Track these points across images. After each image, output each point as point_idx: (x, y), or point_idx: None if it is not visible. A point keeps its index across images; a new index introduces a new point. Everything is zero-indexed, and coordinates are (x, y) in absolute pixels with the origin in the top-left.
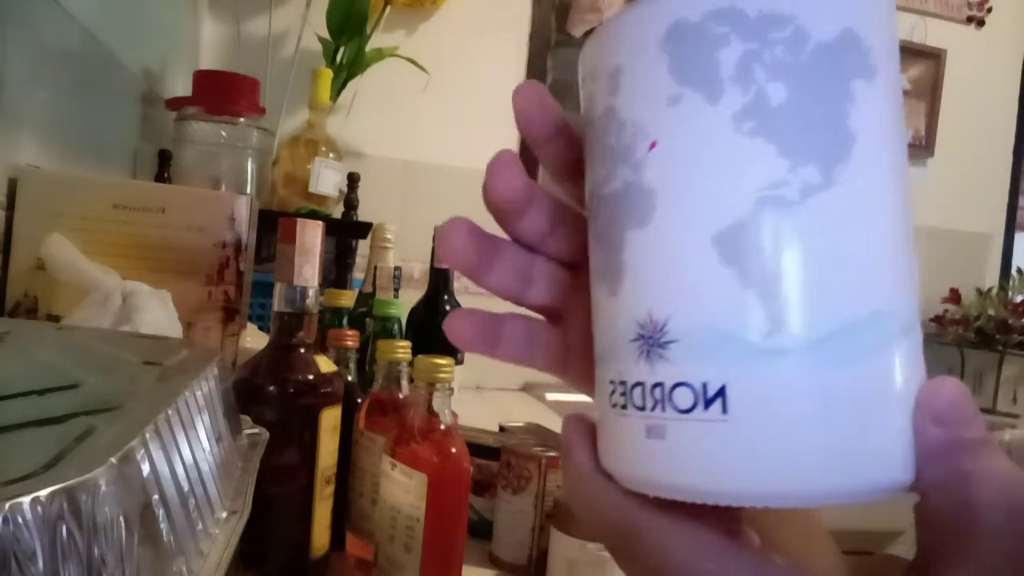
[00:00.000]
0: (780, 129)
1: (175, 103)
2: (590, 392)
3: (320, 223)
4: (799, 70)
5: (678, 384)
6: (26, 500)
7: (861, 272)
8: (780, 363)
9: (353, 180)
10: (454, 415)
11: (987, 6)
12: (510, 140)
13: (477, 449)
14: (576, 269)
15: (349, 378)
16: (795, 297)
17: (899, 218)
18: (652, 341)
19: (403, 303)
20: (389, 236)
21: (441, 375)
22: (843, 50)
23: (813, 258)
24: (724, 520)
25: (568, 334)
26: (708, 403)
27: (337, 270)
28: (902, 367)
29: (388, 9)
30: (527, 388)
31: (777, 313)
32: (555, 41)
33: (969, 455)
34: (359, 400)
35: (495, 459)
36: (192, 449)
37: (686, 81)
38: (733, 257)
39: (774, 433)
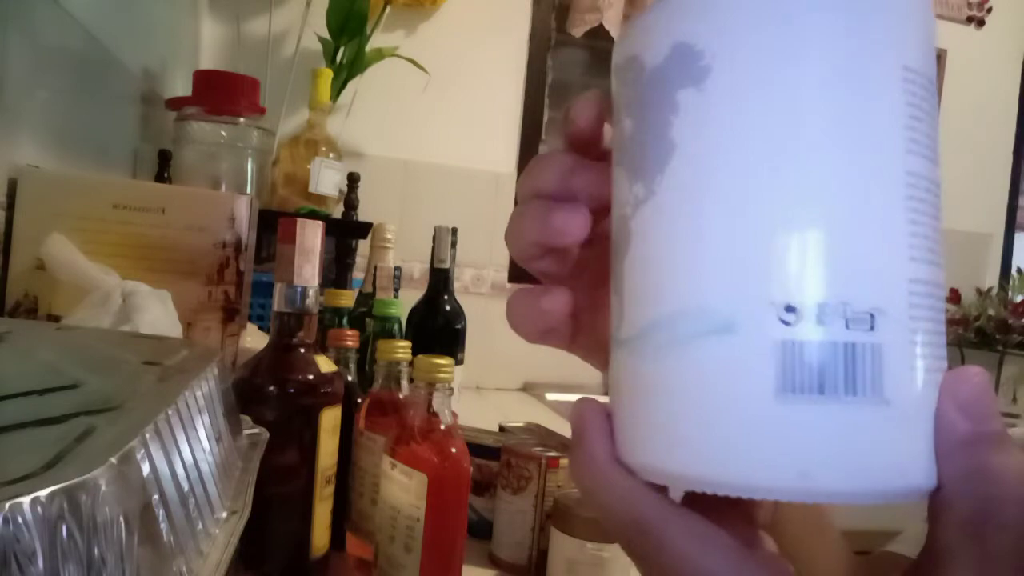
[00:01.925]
0: (627, 157)
1: (175, 103)
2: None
3: (320, 223)
4: (637, 99)
5: None
6: (26, 500)
7: (670, 272)
8: (618, 352)
9: (353, 180)
10: (454, 415)
11: (987, 6)
12: (510, 140)
13: (477, 449)
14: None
15: (349, 378)
16: (625, 296)
17: (736, 213)
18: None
19: (403, 303)
20: (389, 236)
21: (441, 375)
22: (672, 65)
23: (635, 262)
24: (742, 524)
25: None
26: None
27: (337, 270)
28: (727, 362)
29: (388, 9)
30: (527, 388)
31: (617, 310)
32: (555, 41)
33: (990, 449)
34: (359, 400)
35: (495, 459)
36: (192, 449)
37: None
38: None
39: (650, 421)
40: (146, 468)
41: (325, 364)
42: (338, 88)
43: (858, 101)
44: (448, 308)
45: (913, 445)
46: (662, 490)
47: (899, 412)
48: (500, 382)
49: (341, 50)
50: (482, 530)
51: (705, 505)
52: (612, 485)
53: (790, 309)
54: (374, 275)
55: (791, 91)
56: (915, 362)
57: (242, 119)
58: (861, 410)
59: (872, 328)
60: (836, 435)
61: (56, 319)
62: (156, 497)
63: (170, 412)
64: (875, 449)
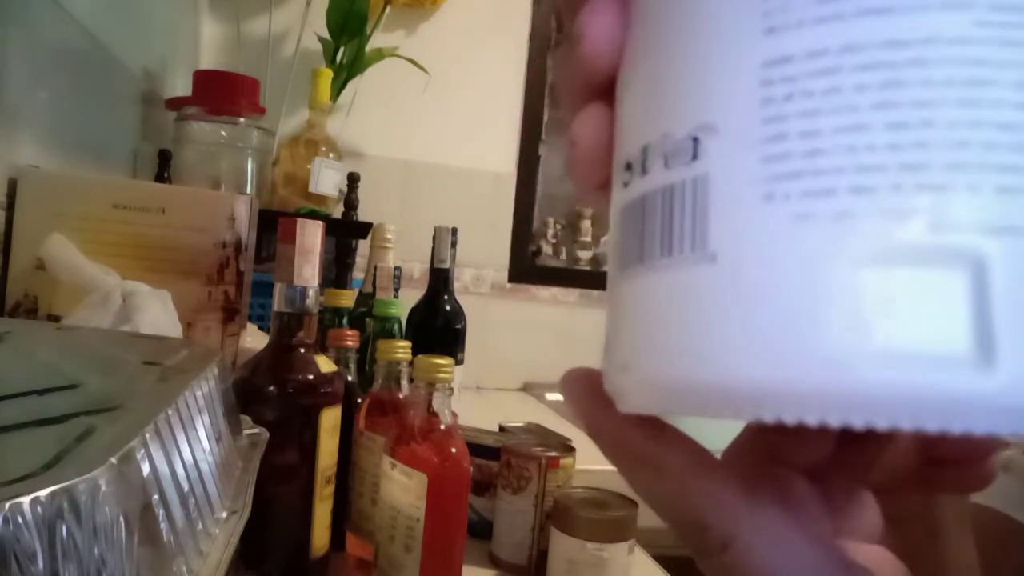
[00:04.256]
0: None
1: (175, 103)
2: None
3: (320, 223)
4: None
5: None
6: (26, 500)
7: None
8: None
9: (353, 180)
10: (454, 415)
11: None
12: (510, 140)
13: (477, 449)
14: None
15: (349, 378)
16: None
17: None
18: None
19: (403, 303)
20: (389, 236)
21: (441, 375)
22: None
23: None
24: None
25: None
26: None
27: (337, 270)
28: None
29: (388, 9)
30: (527, 388)
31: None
32: (555, 41)
33: None
34: (359, 400)
35: (495, 459)
36: (192, 449)
37: None
38: None
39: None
40: (146, 468)
41: (325, 364)
42: (338, 88)
43: None
44: (448, 308)
45: (751, 325)
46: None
47: (735, 270)
48: (500, 382)
49: (341, 50)
50: (482, 530)
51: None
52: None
53: (628, 167)
54: (374, 275)
55: None
56: (774, 186)
57: (242, 119)
58: (679, 274)
59: (693, 158)
60: (653, 313)
61: (56, 319)
62: (156, 497)
63: (170, 412)
64: (696, 332)
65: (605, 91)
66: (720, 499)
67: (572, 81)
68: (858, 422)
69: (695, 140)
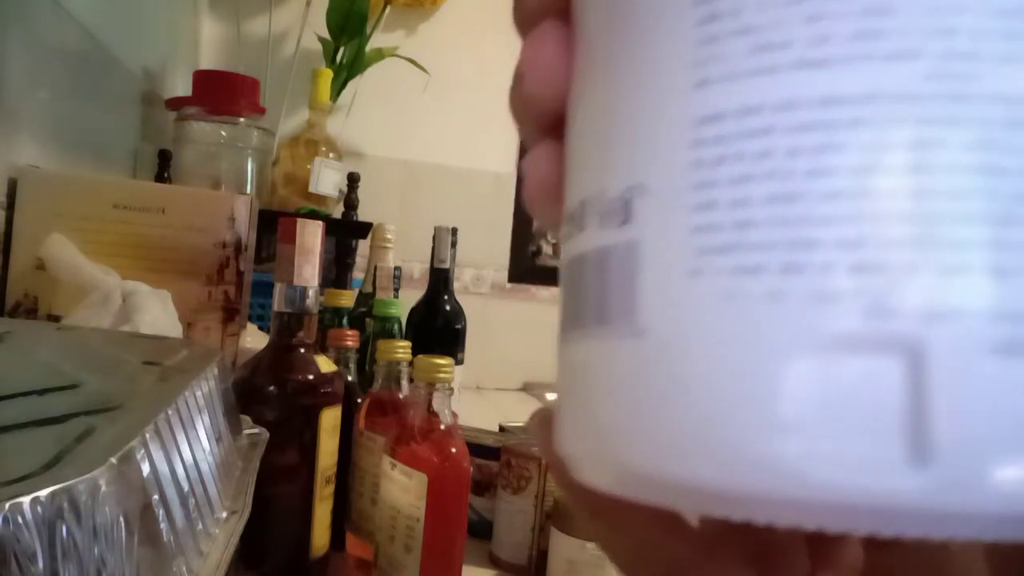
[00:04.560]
0: None
1: (175, 103)
2: None
3: (320, 223)
4: None
5: None
6: (26, 500)
7: None
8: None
9: (353, 180)
10: (454, 415)
11: None
12: (510, 140)
13: (477, 449)
14: None
15: (349, 378)
16: None
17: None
18: None
19: (403, 303)
20: (389, 236)
21: (441, 375)
22: None
23: None
24: None
25: None
26: None
27: (337, 270)
28: None
29: (388, 9)
30: (527, 388)
31: None
32: None
33: None
34: (359, 400)
35: (495, 459)
36: (192, 449)
37: None
38: None
39: None
40: (146, 468)
41: (325, 364)
42: (338, 88)
43: None
44: (448, 308)
45: (674, 414)
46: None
47: (661, 346)
48: (500, 382)
49: (341, 50)
50: (482, 530)
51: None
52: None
53: (570, 219)
54: (374, 275)
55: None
56: (702, 260)
57: (242, 119)
58: (611, 346)
59: (625, 220)
60: (587, 385)
61: (56, 319)
62: (156, 497)
63: (170, 412)
64: (623, 414)
65: (556, 125)
66: (683, 561)
67: (519, 118)
68: (783, 522)
69: (627, 202)
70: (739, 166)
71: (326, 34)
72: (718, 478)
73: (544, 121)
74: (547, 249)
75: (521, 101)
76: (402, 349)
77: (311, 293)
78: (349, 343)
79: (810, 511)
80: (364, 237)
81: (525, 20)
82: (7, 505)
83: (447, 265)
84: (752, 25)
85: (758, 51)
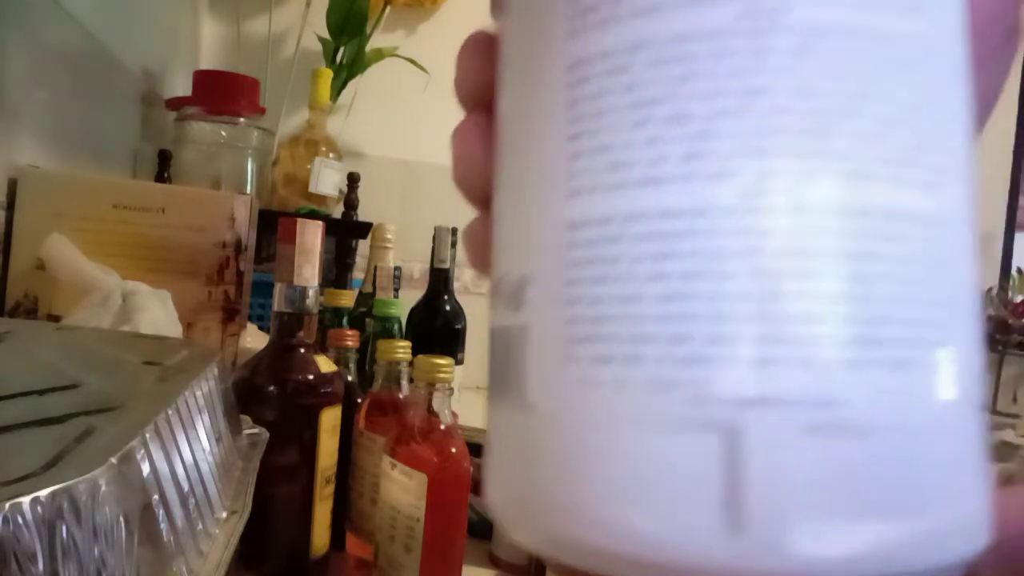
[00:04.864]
0: None
1: (175, 103)
2: None
3: (320, 223)
4: None
5: None
6: (26, 500)
7: None
8: None
9: (353, 180)
10: (454, 415)
11: None
12: None
13: (477, 449)
14: None
15: (349, 378)
16: None
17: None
18: None
19: (403, 303)
20: (389, 236)
21: (441, 375)
22: None
23: None
24: None
25: None
26: None
27: (337, 270)
28: None
29: (388, 9)
30: None
31: None
32: None
33: None
34: (359, 400)
35: None
36: (192, 449)
37: None
38: None
39: None
40: (146, 468)
41: (325, 364)
42: (338, 88)
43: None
44: (448, 308)
45: (549, 482)
46: None
47: (539, 426)
48: None
49: (341, 50)
50: (482, 530)
51: None
52: None
53: (490, 292)
54: (374, 275)
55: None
56: (570, 348)
57: (242, 119)
58: (507, 419)
59: (519, 305)
60: (499, 449)
61: (56, 319)
62: (156, 497)
63: (170, 412)
64: (513, 479)
65: (486, 201)
66: None
67: (460, 192)
68: None
69: (521, 289)
70: (598, 268)
71: (326, 34)
72: (584, 537)
73: (475, 198)
74: None
75: (455, 182)
76: (402, 349)
77: (311, 293)
78: (349, 343)
79: (647, 571)
80: (364, 237)
81: (462, 107)
82: (7, 505)
83: (447, 265)
84: (607, 145)
85: (612, 169)
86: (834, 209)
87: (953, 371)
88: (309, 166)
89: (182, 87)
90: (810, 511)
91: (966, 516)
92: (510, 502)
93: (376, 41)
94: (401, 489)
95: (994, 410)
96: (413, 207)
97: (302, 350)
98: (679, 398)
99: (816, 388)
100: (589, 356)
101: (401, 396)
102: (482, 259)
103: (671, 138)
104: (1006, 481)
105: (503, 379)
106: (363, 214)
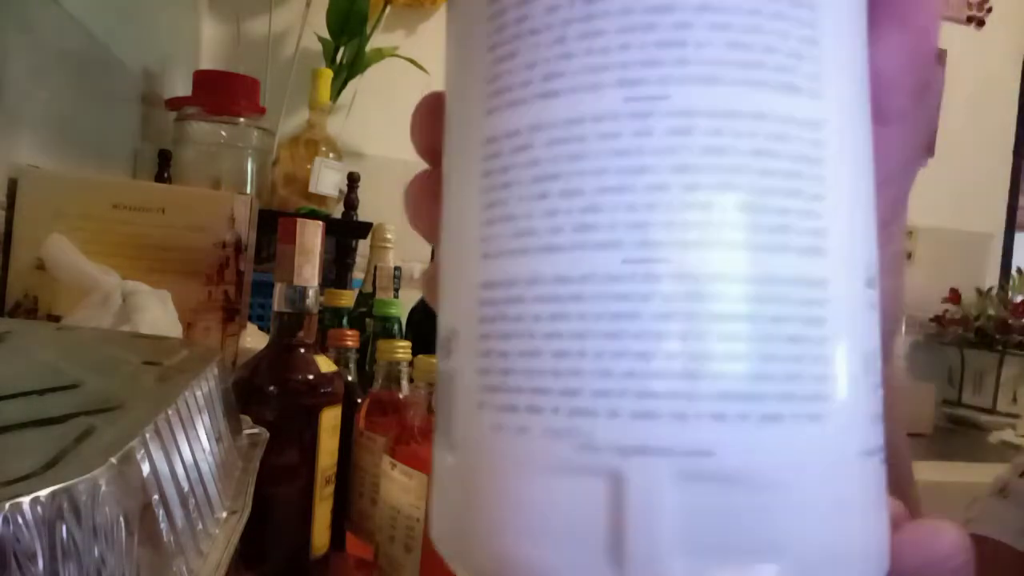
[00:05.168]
0: None
1: (175, 103)
2: None
3: (320, 223)
4: None
5: None
6: (26, 500)
7: None
8: None
9: (353, 180)
10: None
11: (987, 6)
12: None
13: None
14: None
15: (349, 378)
16: None
17: None
18: None
19: (403, 303)
20: (389, 236)
21: None
22: None
23: None
24: None
25: None
26: None
27: (337, 270)
28: None
29: (388, 9)
30: None
31: None
32: None
33: None
34: (359, 400)
35: None
36: (192, 449)
37: None
38: None
39: None
40: (146, 468)
41: (325, 364)
42: (338, 88)
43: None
44: None
45: (464, 520)
46: None
47: (461, 465)
48: None
49: (341, 50)
50: None
51: None
52: None
53: (437, 337)
54: (374, 275)
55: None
56: (483, 396)
57: (242, 119)
58: (441, 457)
59: (448, 353)
60: (434, 488)
61: (56, 319)
62: (156, 497)
63: (170, 412)
64: (444, 513)
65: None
66: None
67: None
68: None
69: (450, 338)
70: (505, 325)
71: (326, 34)
72: (493, 571)
73: (430, 241)
74: None
75: (411, 226)
76: (402, 349)
77: (311, 293)
78: (349, 343)
79: None
80: (364, 237)
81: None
82: (7, 505)
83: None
84: (513, 214)
85: (517, 236)
86: (710, 276)
87: (830, 422)
88: (309, 166)
89: (182, 87)
90: (684, 552)
91: (843, 556)
92: (442, 534)
93: (376, 41)
94: (401, 489)
95: (994, 410)
96: None
97: (302, 350)
98: (570, 445)
99: (689, 439)
100: (497, 405)
101: (401, 396)
102: (432, 295)
103: (566, 210)
104: (1001, 493)
105: (440, 418)
106: (363, 214)
